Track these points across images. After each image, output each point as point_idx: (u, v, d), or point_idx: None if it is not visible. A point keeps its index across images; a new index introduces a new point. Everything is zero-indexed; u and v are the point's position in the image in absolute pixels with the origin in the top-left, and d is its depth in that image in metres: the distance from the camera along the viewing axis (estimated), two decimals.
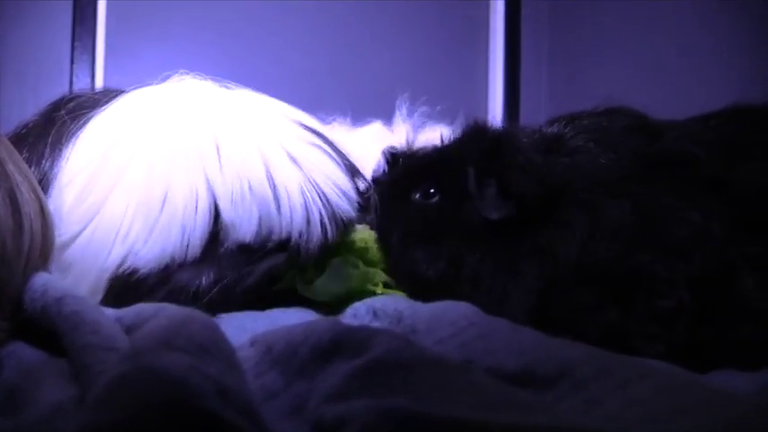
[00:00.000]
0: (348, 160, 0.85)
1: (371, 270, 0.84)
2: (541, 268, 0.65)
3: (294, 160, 0.78)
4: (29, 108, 0.97)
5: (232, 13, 1.79)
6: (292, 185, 0.77)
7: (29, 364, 0.46)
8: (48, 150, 0.84)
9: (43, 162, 0.83)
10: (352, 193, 0.81)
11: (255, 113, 0.83)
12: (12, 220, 0.53)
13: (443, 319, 0.55)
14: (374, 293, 0.82)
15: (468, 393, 0.40)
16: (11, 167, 0.57)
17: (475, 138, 0.75)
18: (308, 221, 0.77)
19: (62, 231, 0.74)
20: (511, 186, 0.67)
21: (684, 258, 0.60)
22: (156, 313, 0.51)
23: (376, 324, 0.65)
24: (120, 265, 0.74)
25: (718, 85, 1.31)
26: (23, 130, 0.89)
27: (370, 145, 0.97)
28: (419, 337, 0.55)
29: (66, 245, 0.75)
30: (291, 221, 0.76)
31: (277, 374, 0.50)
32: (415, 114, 1.04)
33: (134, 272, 0.74)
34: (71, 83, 1.72)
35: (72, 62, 1.73)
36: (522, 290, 0.65)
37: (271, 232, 0.76)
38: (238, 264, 0.76)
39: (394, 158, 0.87)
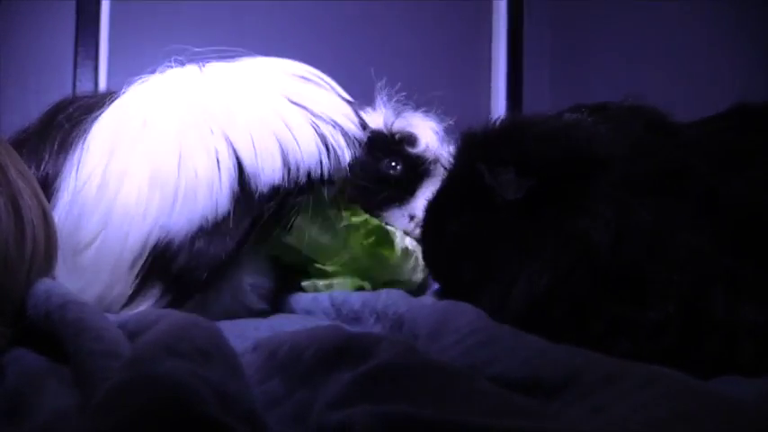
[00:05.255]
0: (344, 95, 0.89)
1: (356, 222, 0.86)
2: (561, 255, 0.63)
3: (300, 100, 0.83)
4: (31, 112, 0.97)
5: (235, 17, 1.79)
6: (303, 120, 0.80)
7: (31, 370, 0.46)
8: (47, 155, 0.84)
9: (44, 166, 0.84)
10: (356, 117, 0.86)
11: (254, 75, 0.86)
12: (14, 227, 0.53)
13: (446, 326, 0.55)
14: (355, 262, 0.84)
15: (472, 400, 0.40)
16: (13, 173, 0.56)
17: (473, 141, 0.75)
18: (327, 147, 0.81)
19: (80, 235, 0.76)
20: (529, 159, 0.66)
21: (679, 274, 0.60)
22: (158, 319, 0.51)
23: (378, 327, 0.65)
24: (143, 247, 0.75)
25: (724, 81, 1.30)
26: (24, 135, 0.90)
27: None
28: (421, 344, 0.55)
29: (88, 245, 0.76)
30: (314, 150, 0.79)
31: (280, 381, 0.50)
32: (394, 100, 1.05)
33: (170, 244, 0.75)
34: (74, 87, 1.71)
35: (75, 66, 1.73)
36: (532, 276, 0.64)
37: (297, 167, 0.79)
38: (272, 202, 0.78)
39: (372, 142, 0.90)
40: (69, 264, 0.76)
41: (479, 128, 0.75)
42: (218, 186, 0.76)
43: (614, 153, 0.66)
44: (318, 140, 0.80)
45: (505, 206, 0.68)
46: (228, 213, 0.76)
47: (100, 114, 0.84)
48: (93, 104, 0.87)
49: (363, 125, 0.88)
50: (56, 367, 0.47)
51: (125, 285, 0.76)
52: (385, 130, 1.01)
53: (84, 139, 0.83)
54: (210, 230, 0.75)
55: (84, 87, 1.72)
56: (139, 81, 0.88)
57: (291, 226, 0.82)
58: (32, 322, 0.52)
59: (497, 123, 0.75)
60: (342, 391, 0.43)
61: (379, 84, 1.06)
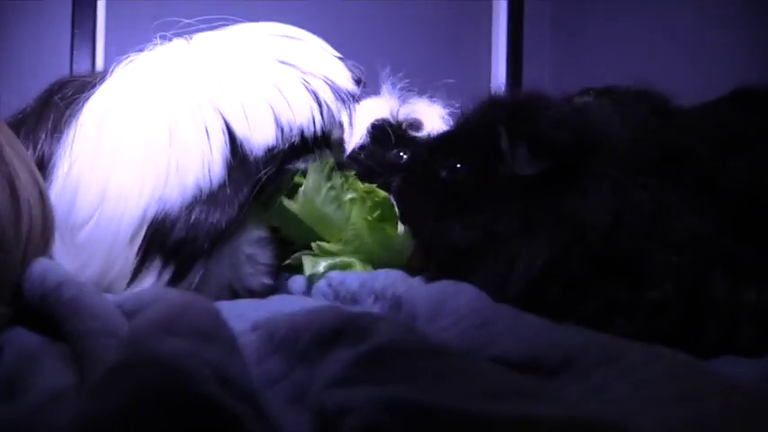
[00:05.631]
0: (334, 53, 0.88)
1: (363, 192, 0.85)
2: (557, 234, 0.63)
3: (288, 60, 0.82)
4: (29, 95, 0.97)
5: (234, 4, 1.77)
6: (293, 79, 0.80)
7: (28, 350, 0.46)
8: (44, 135, 0.85)
9: (40, 145, 0.84)
10: (348, 72, 0.85)
11: (240, 40, 0.86)
12: (10, 207, 0.52)
13: (445, 307, 0.54)
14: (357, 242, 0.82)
15: (471, 382, 0.40)
16: (9, 153, 0.56)
17: (499, 102, 0.74)
18: (319, 103, 0.80)
19: (76, 214, 0.76)
20: (543, 138, 0.65)
21: (678, 255, 0.61)
22: (155, 299, 0.51)
23: (376, 308, 0.65)
24: (141, 222, 0.75)
25: (727, 63, 1.29)
26: (21, 116, 0.90)
27: (364, 119, 0.99)
28: (420, 325, 0.55)
29: (82, 225, 0.76)
30: (305, 108, 0.79)
31: (279, 360, 0.50)
32: (399, 87, 1.05)
33: (166, 217, 0.75)
34: (71, 70, 1.71)
35: (72, 48, 1.72)
36: (531, 254, 0.64)
37: (290, 127, 0.79)
38: (270, 166, 0.78)
39: (378, 130, 0.91)
40: (67, 242, 0.76)
41: (504, 94, 0.76)
42: (210, 156, 0.76)
43: (618, 136, 0.66)
44: (310, 97, 0.80)
45: (511, 178, 0.67)
46: (224, 182, 0.76)
47: (92, 94, 0.84)
48: (86, 84, 0.87)
49: (357, 80, 0.87)
50: (53, 346, 0.47)
51: (125, 262, 0.76)
52: (391, 118, 1.01)
53: (77, 119, 0.83)
54: (206, 200, 0.76)
55: (82, 68, 1.71)
56: (128, 60, 0.88)
57: (296, 192, 0.81)
58: (29, 303, 0.51)
59: (521, 96, 0.75)
60: (341, 371, 0.42)
61: (384, 72, 1.06)
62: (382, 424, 0.36)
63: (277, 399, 0.46)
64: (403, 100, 1.04)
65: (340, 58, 0.87)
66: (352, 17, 1.87)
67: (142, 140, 0.78)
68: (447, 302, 0.55)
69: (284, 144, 0.79)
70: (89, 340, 0.43)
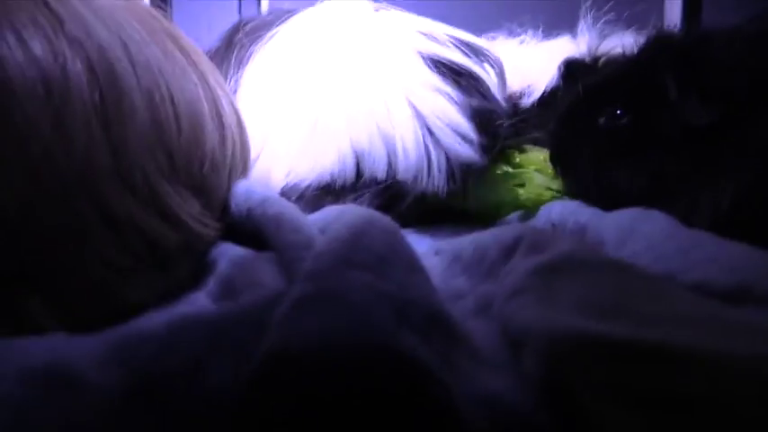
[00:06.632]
0: (477, 98, 0.84)
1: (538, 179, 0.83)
2: (741, 168, 0.60)
3: (413, 106, 0.80)
4: (202, 35, 1.04)
5: None
6: (408, 131, 0.79)
7: (240, 258, 0.50)
8: (231, 71, 0.91)
9: (227, 81, 0.90)
10: (473, 136, 0.81)
11: (391, 54, 0.84)
12: (217, 132, 0.57)
13: (636, 232, 0.51)
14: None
15: (664, 305, 0.37)
16: (213, 82, 0.60)
17: (665, 45, 0.69)
18: (429, 163, 0.79)
19: None
20: (716, 86, 0.62)
21: None
22: (338, 217, 0.52)
23: None
24: (281, 182, 0.80)
25: None
26: (209, 55, 0.96)
27: (556, 58, 0.95)
28: (608, 250, 0.53)
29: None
30: (415, 164, 0.79)
31: (465, 280, 0.50)
32: (599, 24, 0.99)
33: (294, 187, 0.80)
34: (240, 10, 1.81)
35: None
36: (717, 192, 0.61)
37: (396, 172, 0.79)
38: (377, 194, 0.80)
39: (571, 70, 0.85)
40: None
41: (671, 34, 0.71)
42: (346, 152, 0.78)
43: None
44: (423, 153, 0.79)
45: (681, 124, 0.64)
46: (347, 183, 0.79)
47: (276, 32, 0.89)
48: (270, 22, 0.91)
49: (483, 147, 0.82)
50: (263, 255, 0.51)
51: None
52: (588, 57, 0.96)
53: (252, 58, 0.88)
54: (335, 192, 0.79)
55: (247, 10, 1.81)
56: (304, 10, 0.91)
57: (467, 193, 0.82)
58: (234, 221, 0.56)
59: (689, 36, 0.70)
60: (521, 280, 0.41)
61: (583, 8, 1.00)
62: (559, 354, 0.35)
63: (463, 312, 0.47)
64: (603, 36, 0.98)
65: (477, 114, 0.83)
66: None
67: (302, 105, 0.81)
68: (637, 228, 0.52)
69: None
70: (292, 252, 0.46)
